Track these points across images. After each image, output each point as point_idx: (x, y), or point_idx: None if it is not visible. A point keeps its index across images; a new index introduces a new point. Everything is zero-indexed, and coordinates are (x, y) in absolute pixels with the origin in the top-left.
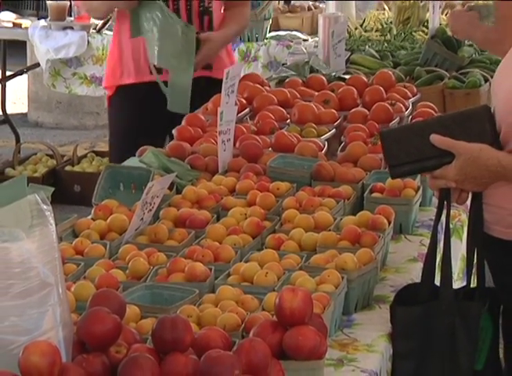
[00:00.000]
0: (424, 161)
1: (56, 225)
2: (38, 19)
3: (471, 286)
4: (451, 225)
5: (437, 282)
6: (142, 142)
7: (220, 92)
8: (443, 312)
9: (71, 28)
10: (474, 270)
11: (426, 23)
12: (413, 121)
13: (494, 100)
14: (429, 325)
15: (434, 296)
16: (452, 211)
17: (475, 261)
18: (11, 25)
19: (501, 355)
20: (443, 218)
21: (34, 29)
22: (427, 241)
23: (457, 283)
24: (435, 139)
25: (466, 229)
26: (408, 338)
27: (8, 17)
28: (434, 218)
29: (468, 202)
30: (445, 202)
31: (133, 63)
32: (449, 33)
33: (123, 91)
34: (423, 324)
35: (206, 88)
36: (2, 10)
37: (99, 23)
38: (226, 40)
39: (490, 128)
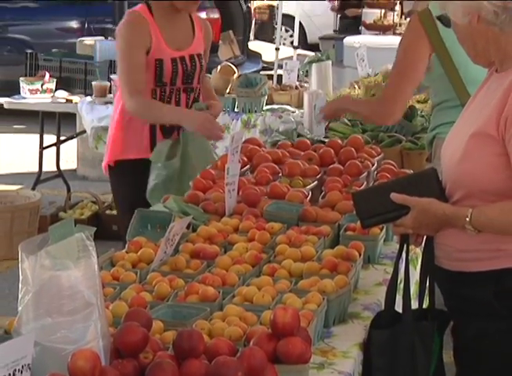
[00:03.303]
0: (387, 214)
1: (98, 257)
2: (85, 96)
3: (423, 307)
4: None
5: (398, 303)
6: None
7: None
8: (405, 333)
9: (110, 103)
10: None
11: None
12: (378, 175)
13: (442, 163)
14: (396, 344)
15: (397, 320)
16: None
17: (427, 287)
18: (64, 101)
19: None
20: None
21: (82, 103)
22: (390, 269)
23: (412, 303)
24: (394, 196)
25: (419, 260)
26: (381, 355)
27: (62, 95)
28: (395, 251)
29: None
30: (405, 244)
31: (135, 141)
32: (406, 106)
33: (123, 165)
34: (392, 343)
35: None
36: (58, 89)
37: None
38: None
39: (437, 186)
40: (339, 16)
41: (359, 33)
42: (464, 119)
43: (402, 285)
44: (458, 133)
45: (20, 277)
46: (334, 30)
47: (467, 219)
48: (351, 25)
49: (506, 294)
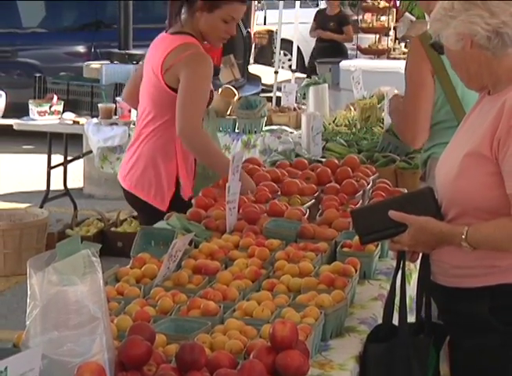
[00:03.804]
0: (385, 231)
1: (103, 272)
2: (92, 117)
3: (419, 321)
4: (398, 270)
5: (395, 317)
6: None
7: None
8: (401, 347)
9: (116, 124)
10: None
11: (382, 120)
12: (373, 193)
13: (436, 181)
14: (392, 357)
15: (394, 334)
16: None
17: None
18: (71, 122)
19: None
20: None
21: (88, 125)
22: (385, 284)
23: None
24: (392, 214)
25: (414, 275)
26: (377, 368)
27: (69, 116)
28: (390, 267)
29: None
30: (402, 261)
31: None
32: None
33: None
34: (388, 357)
35: None
36: (65, 111)
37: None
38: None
39: (434, 204)
40: (315, 39)
41: (336, 56)
42: (458, 139)
43: (397, 299)
44: (452, 153)
45: (28, 292)
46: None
47: (463, 237)
48: (326, 49)
49: (502, 309)
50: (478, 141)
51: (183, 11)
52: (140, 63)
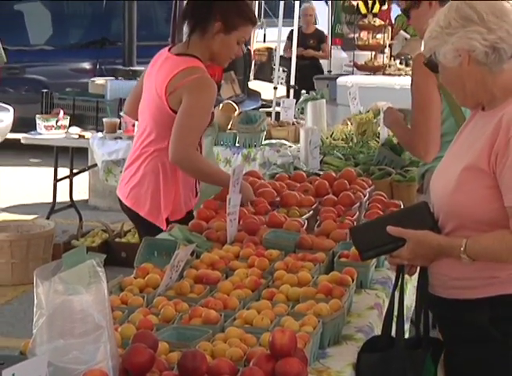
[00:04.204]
0: (384, 246)
1: (107, 282)
2: (97, 131)
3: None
4: (398, 283)
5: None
6: None
7: None
8: (397, 359)
9: (120, 138)
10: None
11: (378, 135)
12: (369, 205)
13: (432, 195)
14: (387, 368)
15: (390, 345)
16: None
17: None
18: (77, 136)
19: None
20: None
21: (93, 139)
22: (381, 294)
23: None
24: (391, 229)
25: (409, 285)
26: None
27: (75, 131)
28: (385, 276)
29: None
30: (401, 275)
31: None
32: (395, 141)
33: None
34: (384, 367)
35: None
36: (71, 126)
37: None
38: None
39: (430, 218)
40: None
41: (317, 73)
42: (453, 153)
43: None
44: (448, 167)
45: (35, 301)
46: (328, 71)
47: (462, 249)
48: (307, 66)
49: (502, 319)
50: (476, 155)
51: (192, 32)
52: (140, 77)
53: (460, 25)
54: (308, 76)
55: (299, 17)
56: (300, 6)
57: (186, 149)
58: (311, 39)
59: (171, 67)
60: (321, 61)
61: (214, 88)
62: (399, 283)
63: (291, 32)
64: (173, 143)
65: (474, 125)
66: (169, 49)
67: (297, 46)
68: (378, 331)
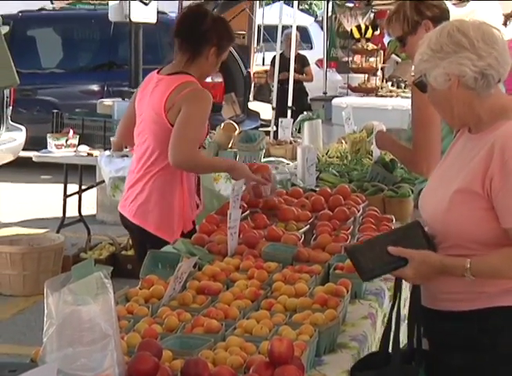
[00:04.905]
0: (386, 266)
1: (114, 293)
2: (104, 150)
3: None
4: (390, 293)
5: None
6: None
7: None
8: (391, 374)
9: (127, 156)
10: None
11: (371, 153)
12: (363, 220)
13: (423, 213)
14: None
15: (386, 361)
16: None
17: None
18: (86, 154)
19: None
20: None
21: (101, 157)
22: (374, 304)
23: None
24: (392, 249)
25: (402, 297)
26: None
27: (84, 149)
28: (379, 288)
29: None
30: (399, 293)
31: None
32: (387, 159)
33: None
34: None
35: None
36: (80, 144)
37: None
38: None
39: (424, 237)
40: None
41: (302, 96)
42: (440, 174)
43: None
44: (438, 188)
45: (45, 311)
46: (324, 93)
47: (467, 268)
48: (294, 90)
49: (491, 330)
50: (469, 179)
51: (185, 55)
52: (129, 103)
53: (452, 50)
54: (294, 98)
55: (281, 42)
56: (288, 32)
57: (183, 152)
58: (294, 63)
59: (166, 86)
60: (305, 84)
61: (209, 97)
62: (396, 302)
63: (274, 58)
64: (171, 149)
65: (463, 148)
66: (158, 72)
67: (281, 71)
68: (372, 340)
